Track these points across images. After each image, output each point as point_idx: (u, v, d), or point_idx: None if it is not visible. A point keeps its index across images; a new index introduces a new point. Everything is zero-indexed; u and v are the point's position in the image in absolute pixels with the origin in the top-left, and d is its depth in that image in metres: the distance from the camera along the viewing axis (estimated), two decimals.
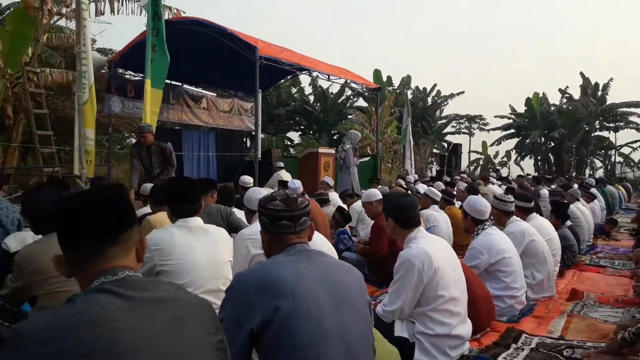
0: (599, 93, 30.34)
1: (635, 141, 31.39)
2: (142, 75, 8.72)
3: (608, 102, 30.15)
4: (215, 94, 13.39)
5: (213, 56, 11.16)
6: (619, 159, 32.58)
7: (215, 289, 2.62)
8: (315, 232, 3.57)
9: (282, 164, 11.12)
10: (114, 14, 11.16)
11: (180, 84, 12.24)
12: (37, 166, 10.20)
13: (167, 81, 11.06)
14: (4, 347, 1.11)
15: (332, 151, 12.70)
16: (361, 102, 29.70)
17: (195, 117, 12.37)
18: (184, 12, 11.70)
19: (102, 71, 10.99)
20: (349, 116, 28.75)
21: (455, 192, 7.01)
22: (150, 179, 6.06)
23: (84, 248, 1.24)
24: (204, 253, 2.66)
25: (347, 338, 1.67)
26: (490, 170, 30.84)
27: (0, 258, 3.61)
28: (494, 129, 34.33)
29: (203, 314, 1.28)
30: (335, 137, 29.59)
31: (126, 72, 11.53)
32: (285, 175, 10.68)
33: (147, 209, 4.52)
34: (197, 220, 2.76)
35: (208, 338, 1.25)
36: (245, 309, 1.62)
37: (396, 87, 30.27)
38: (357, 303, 1.77)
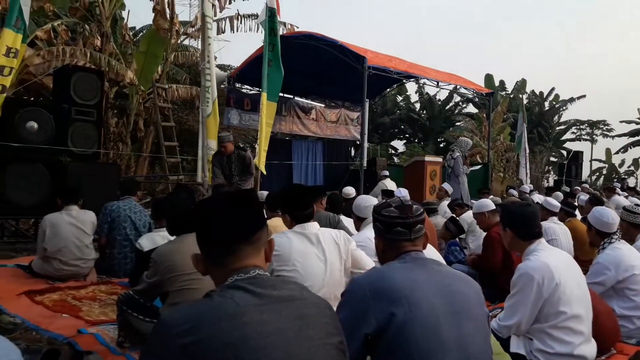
0: None
1: None
2: (257, 89, 9.23)
3: None
4: (323, 105, 13.76)
5: (322, 68, 11.47)
6: None
7: (329, 297, 2.71)
8: None
9: (387, 173, 11.11)
10: (233, 32, 11.96)
11: (291, 96, 12.74)
12: (163, 174, 11.17)
13: (280, 94, 11.60)
14: (144, 338, 1.24)
15: (439, 159, 12.42)
16: (471, 109, 28.76)
17: (305, 127, 12.80)
18: (297, 27, 12.22)
19: (222, 86, 11.78)
20: (457, 123, 27.93)
21: (576, 204, 6.54)
22: (229, 186, 6.29)
23: (220, 247, 1.36)
24: (320, 260, 2.76)
25: (466, 350, 1.64)
26: (615, 180, 28.19)
27: (136, 256, 4.04)
28: (619, 135, 31.46)
29: (325, 314, 1.34)
30: (441, 145, 28.88)
31: (243, 87, 12.25)
32: (389, 184, 10.64)
33: None
34: (314, 226, 2.87)
35: (330, 338, 1.31)
36: (361, 313, 1.65)
37: (510, 92, 28.87)
38: (476, 315, 1.74)
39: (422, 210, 1.94)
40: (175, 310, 1.30)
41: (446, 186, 8.09)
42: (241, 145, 6.35)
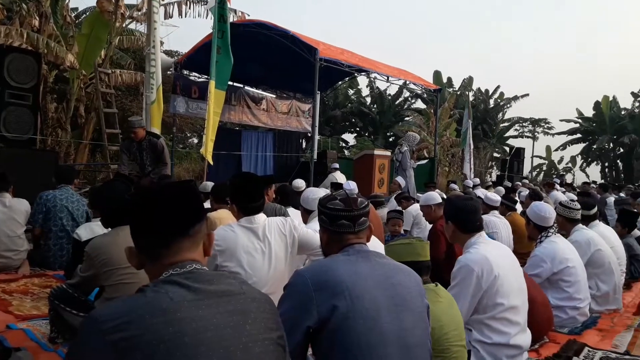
0: None
1: None
2: (206, 76, 9.03)
3: None
4: (274, 96, 13.64)
5: (274, 58, 11.36)
6: None
7: (274, 291, 2.67)
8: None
9: (337, 165, 11.18)
10: (181, 17, 11.61)
11: (242, 85, 12.55)
12: (104, 163, 10.76)
13: (230, 83, 11.39)
14: (75, 334, 1.18)
15: (388, 153, 12.61)
16: (419, 104, 29.37)
17: (255, 118, 12.65)
18: (249, 15, 12.01)
19: (169, 72, 11.45)
20: (406, 118, 28.46)
21: (517, 198, 6.79)
22: (143, 177, 6.07)
23: (156, 240, 1.30)
24: (265, 255, 2.73)
25: (406, 342, 1.66)
26: (554, 176, 29.60)
27: (73, 247, 3.86)
28: (559, 133, 32.99)
29: (265, 309, 1.31)
30: (391, 139, 29.35)
31: (191, 74, 11.94)
32: (339, 176, 10.72)
33: (207, 205, 4.69)
34: (260, 218, 2.82)
35: (270, 333, 1.29)
36: (303, 306, 1.65)
37: (457, 89, 29.65)
38: (416, 307, 1.76)
39: (366, 203, 1.94)
40: (105, 306, 1.24)
41: (399, 180, 8.22)
42: (155, 132, 5.95)
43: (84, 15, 14.71)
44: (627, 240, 5.19)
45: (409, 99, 30.12)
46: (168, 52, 17.81)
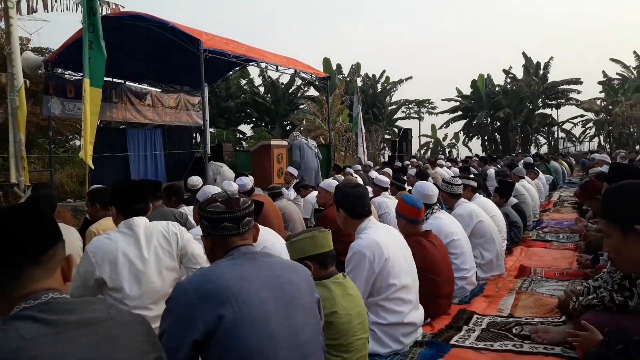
0: (541, 72, 31.49)
1: (576, 117, 32.93)
2: (81, 74, 8.36)
3: (550, 81, 31.38)
4: (160, 90, 12.99)
5: (156, 51, 10.81)
6: (561, 134, 34.11)
7: (162, 299, 2.54)
8: (267, 229, 3.56)
9: (220, 164, 10.93)
10: (47, 11, 10.63)
11: (122, 81, 11.80)
12: None
13: (109, 79, 10.65)
14: None
15: (285, 143, 12.61)
16: (312, 92, 29.68)
17: (140, 114, 11.95)
18: (123, 7, 11.29)
19: (39, 72, 10.46)
20: (301, 106, 28.66)
21: (405, 178, 7.10)
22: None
23: (1, 271, 1.15)
24: (150, 265, 2.57)
25: (298, 340, 1.65)
26: (440, 152, 31.58)
27: None
28: (442, 112, 35.15)
29: (137, 331, 1.22)
30: (288, 128, 29.45)
31: (65, 72, 11.01)
32: (217, 164, 10.54)
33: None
34: (141, 221, 2.67)
35: (143, 356, 1.20)
36: (187, 320, 1.57)
37: (346, 75, 30.37)
38: (306, 303, 1.75)
39: (249, 202, 1.88)
40: None
41: (291, 169, 8.22)
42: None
43: None
44: (505, 209, 5.64)
45: (302, 87, 30.38)
46: (38, 50, 16.31)
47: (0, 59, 12.74)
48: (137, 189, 2.83)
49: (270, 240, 3.27)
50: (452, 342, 2.90)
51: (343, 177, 8.39)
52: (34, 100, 13.55)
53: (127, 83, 11.90)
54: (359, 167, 11.13)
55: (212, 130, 22.10)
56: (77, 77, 10.66)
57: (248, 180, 5.56)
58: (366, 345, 2.28)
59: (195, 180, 7.29)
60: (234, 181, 5.89)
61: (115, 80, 11.41)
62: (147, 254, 2.58)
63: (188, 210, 4.85)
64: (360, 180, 8.06)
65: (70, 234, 3.46)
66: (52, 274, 1.20)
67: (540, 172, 10.20)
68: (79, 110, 9.92)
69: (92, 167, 6.11)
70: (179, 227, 2.79)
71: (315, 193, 6.49)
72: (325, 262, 2.24)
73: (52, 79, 10.21)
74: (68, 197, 10.82)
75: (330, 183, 5.21)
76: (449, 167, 11.41)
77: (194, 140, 15.02)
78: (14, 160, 5.75)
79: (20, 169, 5.70)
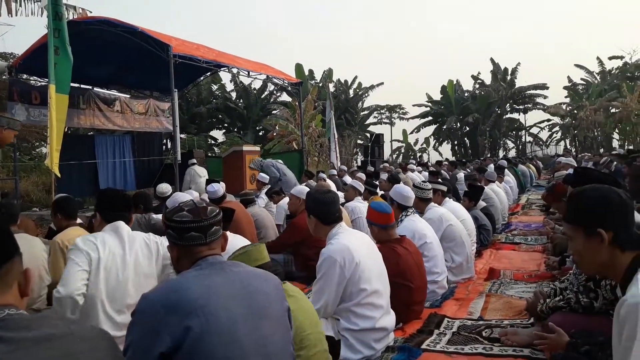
0: (508, 77, 32.20)
1: (543, 121, 33.82)
2: (47, 80, 8.15)
3: (517, 86, 32.12)
4: (129, 96, 12.78)
5: (125, 57, 10.65)
6: (529, 138, 34.92)
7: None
8: (237, 237, 3.52)
9: (194, 160, 10.94)
10: (11, 16, 10.35)
11: (90, 87, 11.57)
12: None
13: (76, 85, 10.44)
14: None
15: (257, 148, 12.57)
16: (285, 97, 29.63)
17: (109, 121, 11.74)
18: (91, 12, 11.08)
19: (3, 77, 10.18)
20: (274, 111, 28.65)
21: (377, 183, 7.15)
22: None
23: None
24: (127, 266, 2.64)
25: (266, 351, 1.62)
26: (411, 157, 31.92)
27: None
28: (413, 118, 35.59)
29: (98, 346, 1.19)
30: (260, 133, 29.34)
31: (30, 78, 10.73)
32: (199, 170, 10.45)
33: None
34: (125, 227, 2.78)
35: None
36: (153, 332, 1.52)
37: (318, 81, 30.46)
38: (276, 312, 1.73)
39: (217, 211, 1.85)
40: None
41: (261, 177, 8.19)
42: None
43: None
44: (474, 212, 5.73)
45: (275, 92, 30.34)
46: (2, 55, 15.88)
47: None
48: (123, 197, 2.98)
49: (240, 246, 3.24)
50: (424, 346, 2.92)
51: (315, 183, 8.39)
52: None
53: (95, 89, 11.69)
54: (334, 172, 11.14)
55: (182, 136, 21.88)
56: (42, 83, 10.41)
57: (219, 187, 5.50)
58: (321, 340, 2.25)
59: (165, 187, 7.18)
60: (205, 188, 5.82)
61: (82, 86, 11.21)
62: (129, 258, 2.65)
63: (156, 218, 4.76)
64: (333, 186, 8.06)
65: (33, 245, 3.36)
66: (8, 290, 1.16)
67: (508, 175, 10.41)
68: (45, 117, 9.67)
69: (59, 175, 5.96)
70: (158, 237, 2.86)
71: (287, 199, 6.46)
72: None
73: (16, 85, 9.94)
74: (34, 206, 10.54)
75: (301, 190, 5.20)
76: (420, 172, 11.54)
77: (164, 147, 14.84)
78: None
79: None
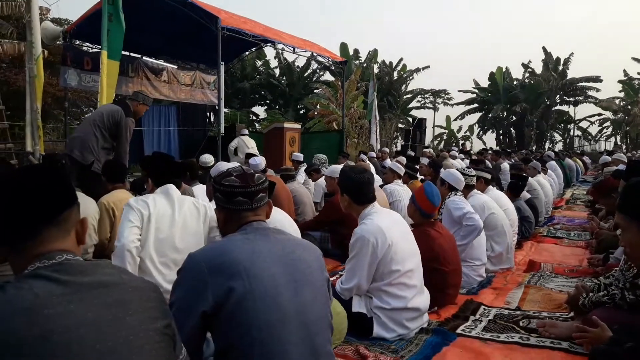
0: (560, 68, 31.04)
1: (593, 115, 32.49)
2: (99, 46, 8.37)
3: (568, 77, 30.92)
4: (176, 67, 12.98)
5: (174, 27, 10.78)
6: (577, 132, 33.67)
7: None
8: (277, 210, 3.55)
9: (246, 131, 11.04)
10: None
11: (139, 56, 11.80)
12: None
13: (127, 53, 10.66)
14: None
15: (298, 126, 12.57)
16: (328, 76, 29.50)
17: (156, 90, 11.97)
18: None
19: (58, 42, 10.49)
20: (316, 90, 28.56)
21: (418, 167, 7.06)
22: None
23: (17, 230, 1.16)
24: (176, 223, 2.77)
25: (305, 317, 1.64)
26: (454, 144, 31.33)
27: None
28: (457, 104, 34.83)
29: (149, 297, 1.22)
30: (301, 112, 29.36)
31: (83, 44, 11.03)
32: (248, 141, 10.58)
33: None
34: (175, 190, 2.89)
35: (154, 323, 1.20)
36: (197, 290, 1.57)
37: (363, 61, 30.13)
38: (316, 281, 1.74)
39: (264, 178, 1.87)
40: None
41: (296, 156, 8.25)
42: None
43: None
44: (518, 203, 5.59)
45: (318, 71, 30.20)
46: (57, 20, 16.33)
47: (19, 28, 12.83)
48: (174, 163, 3.08)
49: (280, 220, 3.26)
50: (459, 331, 2.89)
51: (352, 164, 8.36)
52: (52, 71, 13.63)
53: (144, 58, 11.91)
54: (372, 154, 11.07)
55: (225, 110, 22.08)
56: (94, 50, 10.69)
57: (261, 160, 5.56)
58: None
59: (208, 158, 7.33)
60: (247, 161, 5.88)
61: (132, 54, 11.43)
62: (178, 217, 2.77)
63: (200, 187, 4.86)
64: (372, 168, 8.02)
65: (87, 204, 3.50)
66: (67, 236, 1.21)
67: (554, 169, 10.10)
68: (95, 83, 9.97)
69: None
70: (206, 202, 3.03)
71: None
72: None
73: (70, 50, 10.24)
74: None
75: (333, 169, 5.19)
76: (462, 159, 11.32)
77: (207, 119, 15.03)
78: (30, 129, 5.77)
79: (36, 137, 5.73)
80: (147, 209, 2.70)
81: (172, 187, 2.87)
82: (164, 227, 2.72)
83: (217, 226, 2.85)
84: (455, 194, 4.14)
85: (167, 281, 2.60)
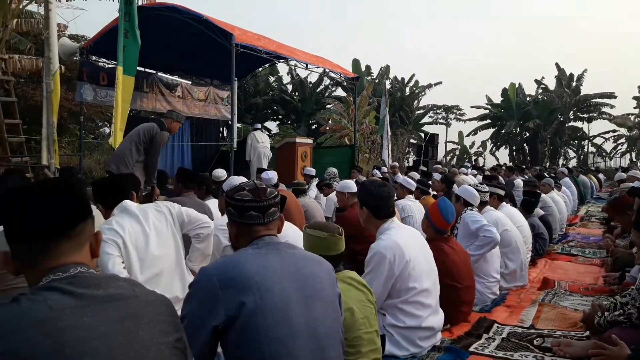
0: (574, 84, 30.84)
1: (608, 132, 32.16)
2: (115, 62, 8.51)
3: (582, 93, 30.69)
4: (190, 82, 13.14)
5: (188, 43, 10.94)
6: (591, 149, 33.32)
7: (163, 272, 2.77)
8: (289, 224, 3.55)
9: (259, 125, 11.18)
10: (84, 0, 10.85)
11: (154, 71, 11.97)
12: (4, 156, 9.90)
13: (141, 69, 10.81)
14: None
15: (310, 141, 12.60)
16: (340, 92, 29.61)
17: (170, 105, 12.09)
18: None
19: (75, 58, 10.68)
20: (328, 106, 28.65)
21: (430, 182, 7.04)
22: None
23: (31, 244, 1.17)
24: (152, 236, 2.73)
25: (316, 332, 1.64)
26: (466, 160, 31.17)
27: None
28: (470, 120, 34.67)
29: (160, 311, 1.22)
30: (313, 127, 29.47)
31: (99, 60, 11.23)
32: (260, 136, 10.63)
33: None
34: (132, 204, 2.81)
35: (166, 337, 1.20)
36: (209, 305, 1.57)
37: (375, 77, 30.24)
38: (327, 296, 1.74)
39: (276, 193, 1.88)
40: None
41: (308, 170, 8.26)
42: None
43: None
44: (532, 220, 5.53)
45: (330, 86, 30.36)
46: (74, 37, 16.63)
47: (37, 44, 13.09)
48: (115, 181, 3.06)
49: (292, 235, 3.27)
50: (471, 349, 2.85)
51: (364, 178, 8.37)
52: (68, 85, 13.86)
53: (159, 74, 12.07)
54: (384, 169, 11.06)
55: (238, 125, 22.24)
56: (110, 65, 10.87)
57: (273, 175, 5.58)
58: (374, 340, 2.24)
59: (220, 172, 7.37)
60: (259, 176, 5.90)
61: (147, 70, 11.59)
62: (149, 229, 2.71)
63: (213, 202, 4.87)
64: None
65: (99, 219, 3.53)
66: (81, 249, 1.22)
67: (568, 185, 10.00)
68: (110, 98, 10.12)
69: None
70: (167, 202, 3.00)
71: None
72: (333, 262, 2.21)
73: (86, 66, 10.42)
74: None
75: (344, 184, 5.16)
76: (474, 175, 11.26)
77: (220, 134, 15.14)
78: (46, 143, 5.84)
79: (52, 151, 5.80)
80: (118, 236, 2.59)
81: (127, 202, 2.77)
82: (141, 245, 2.65)
83: (187, 221, 2.92)
84: (471, 209, 4.14)
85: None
